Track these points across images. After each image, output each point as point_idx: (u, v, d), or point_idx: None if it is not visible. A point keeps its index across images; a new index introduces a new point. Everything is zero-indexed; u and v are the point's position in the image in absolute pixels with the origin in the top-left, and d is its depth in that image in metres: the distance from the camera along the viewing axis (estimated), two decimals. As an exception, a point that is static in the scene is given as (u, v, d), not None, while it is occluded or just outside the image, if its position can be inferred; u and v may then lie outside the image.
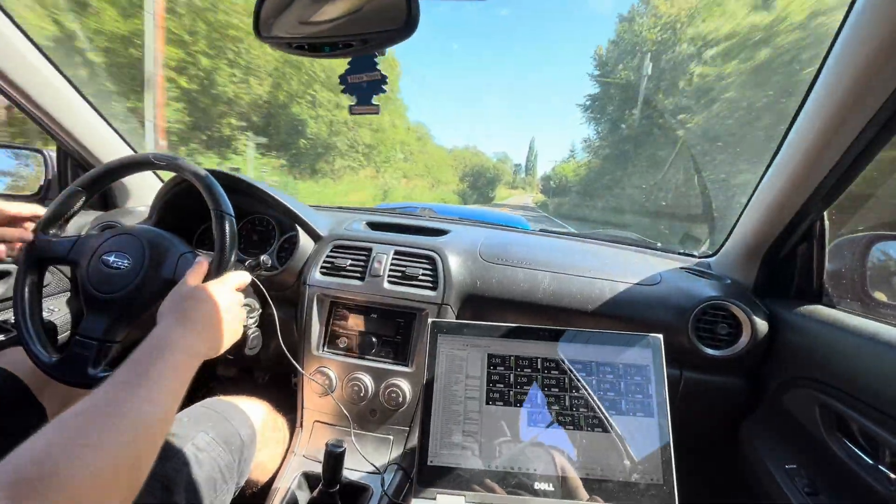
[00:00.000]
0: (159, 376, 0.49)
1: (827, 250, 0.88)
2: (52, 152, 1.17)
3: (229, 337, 0.66)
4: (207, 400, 0.81)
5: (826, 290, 0.88)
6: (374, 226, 1.20)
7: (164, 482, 0.60)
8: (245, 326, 0.93)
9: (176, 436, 0.67)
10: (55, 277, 1.13)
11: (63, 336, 1.14)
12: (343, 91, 0.66)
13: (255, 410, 0.85)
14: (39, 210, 0.82)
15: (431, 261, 1.02)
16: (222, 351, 0.63)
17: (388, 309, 1.00)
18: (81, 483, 0.35)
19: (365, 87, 0.64)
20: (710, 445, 1.00)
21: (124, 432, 0.41)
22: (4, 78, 0.95)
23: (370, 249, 1.05)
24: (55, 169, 1.16)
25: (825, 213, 0.86)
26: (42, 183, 1.16)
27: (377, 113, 0.69)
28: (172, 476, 0.61)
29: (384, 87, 0.65)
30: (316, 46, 0.65)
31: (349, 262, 1.04)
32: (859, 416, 0.66)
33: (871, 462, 0.65)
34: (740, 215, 1.01)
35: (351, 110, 0.66)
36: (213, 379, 1.35)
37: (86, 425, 0.41)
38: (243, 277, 0.75)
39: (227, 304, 0.66)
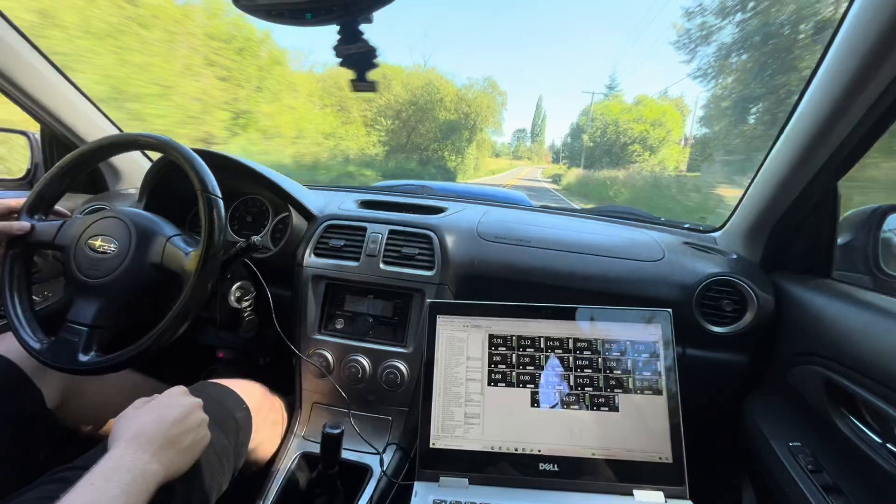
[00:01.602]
0: None
1: (838, 223, 0.84)
2: (36, 134, 1.14)
3: (189, 455, 0.60)
4: (199, 383, 0.80)
5: (836, 263, 0.85)
6: (368, 204, 1.17)
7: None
8: (238, 309, 0.92)
9: None
10: (51, 261, 1.11)
11: None
12: (340, 65, 0.62)
13: (249, 392, 0.85)
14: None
15: (428, 240, 1.00)
16: (180, 472, 0.58)
17: (385, 289, 0.98)
18: None
19: (357, 60, 0.61)
20: (712, 422, 0.99)
21: None
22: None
23: (365, 229, 1.03)
24: (41, 151, 1.13)
25: (837, 184, 0.83)
26: (29, 166, 1.14)
27: (374, 90, 0.66)
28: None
29: (375, 60, 0.61)
30: (296, 13, 0.60)
31: (343, 242, 1.01)
32: (867, 393, 0.64)
33: (878, 440, 0.63)
34: (748, 187, 0.97)
35: (353, 87, 0.63)
36: (214, 361, 1.34)
37: None
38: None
39: (185, 412, 0.61)
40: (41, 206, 0.81)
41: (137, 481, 0.50)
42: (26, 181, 1.14)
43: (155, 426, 0.57)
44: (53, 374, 0.77)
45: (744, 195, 0.99)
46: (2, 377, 0.77)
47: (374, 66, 0.65)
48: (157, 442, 0.55)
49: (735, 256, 0.99)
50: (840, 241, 0.85)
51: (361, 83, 0.64)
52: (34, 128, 1.14)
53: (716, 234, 1.13)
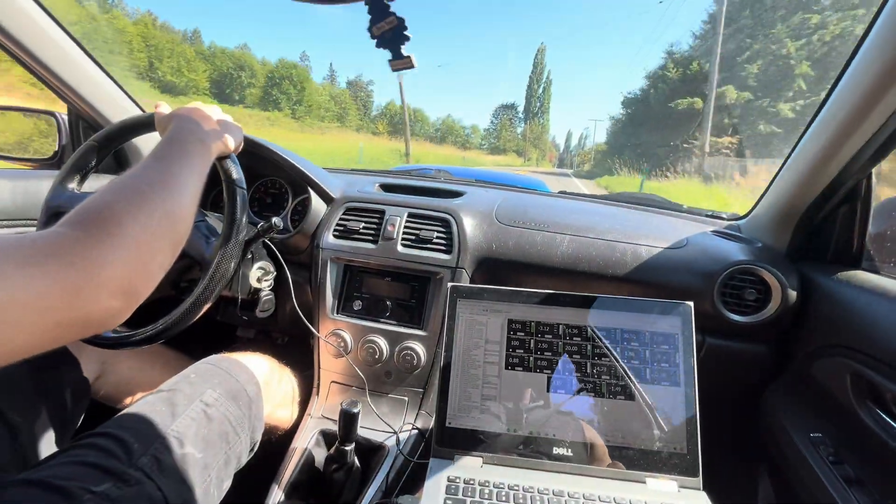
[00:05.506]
0: (182, 168, 0.57)
1: (872, 211, 0.81)
2: (64, 115, 1.16)
3: (236, 136, 0.75)
4: (212, 357, 0.82)
5: (868, 253, 0.82)
6: (387, 188, 1.17)
7: (177, 437, 0.62)
8: (258, 289, 0.94)
9: (184, 393, 0.68)
10: None
11: None
12: (377, 46, 0.60)
13: (258, 366, 0.86)
14: None
15: (446, 223, 1.00)
16: (229, 149, 0.73)
17: (402, 272, 0.99)
18: (134, 227, 0.44)
19: (390, 38, 0.59)
20: (731, 412, 0.98)
21: (165, 201, 0.50)
22: (7, 36, 0.93)
23: (383, 212, 1.03)
24: (68, 132, 1.16)
25: (872, 171, 0.79)
26: (56, 148, 1.16)
27: (412, 66, 0.65)
28: (184, 431, 0.63)
29: (406, 32, 0.60)
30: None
31: (362, 224, 1.02)
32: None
33: None
34: (776, 175, 0.94)
35: (391, 67, 0.61)
36: (233, 340, 1.38)
37: (137, 186, 0.49)
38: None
39: (221, 116, 0.75)
40: (74, 176, 0.83)
41: (196, 158, 0.61)
42: (55, 161, 1.17)
43: (203, 116, 0.70)
44: (89, 346, 0.80)
45: (772, 182, 0.96)
46: None
47: (406, 38, 0.63)
48: (207, 123, 0.69)
49: (760, 245, 0.96)
50: (874, 229, 0.82)
51: (398, 61, 0.63)
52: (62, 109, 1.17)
53: (740, 222, 1.10)
